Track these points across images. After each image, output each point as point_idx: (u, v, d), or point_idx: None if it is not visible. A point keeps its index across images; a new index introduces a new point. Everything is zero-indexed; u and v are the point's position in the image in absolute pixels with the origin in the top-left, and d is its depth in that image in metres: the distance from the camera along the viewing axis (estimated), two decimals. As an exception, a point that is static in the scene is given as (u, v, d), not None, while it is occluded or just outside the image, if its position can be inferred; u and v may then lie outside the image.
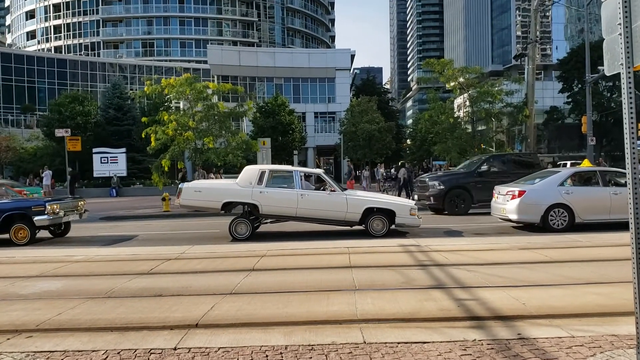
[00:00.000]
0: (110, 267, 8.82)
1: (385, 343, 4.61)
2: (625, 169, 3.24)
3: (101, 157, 40.09)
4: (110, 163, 39.98)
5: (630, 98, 3.08)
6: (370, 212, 12.94)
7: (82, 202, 15.02)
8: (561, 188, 13.08)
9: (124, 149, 40.89)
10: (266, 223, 13.93)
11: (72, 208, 14.19)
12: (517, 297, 6.00)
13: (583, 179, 13.91)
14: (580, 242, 10.37)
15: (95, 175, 40.37)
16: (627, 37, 3.09)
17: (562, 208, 12.86)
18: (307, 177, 13.92)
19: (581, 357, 4.16)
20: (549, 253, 9.14)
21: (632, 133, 3.10)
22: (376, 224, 12.90)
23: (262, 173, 12.98)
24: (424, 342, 4.61)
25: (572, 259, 8.46)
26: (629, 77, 3.09)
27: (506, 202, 13.40)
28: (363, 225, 13.07)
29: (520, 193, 13.06)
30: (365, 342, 4.64)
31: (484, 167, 19.01)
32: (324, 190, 13.31)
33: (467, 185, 18.52)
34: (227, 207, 13.17)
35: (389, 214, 12.93)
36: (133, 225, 17.78)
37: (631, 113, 3.06)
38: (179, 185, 13.79)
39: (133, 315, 5.70)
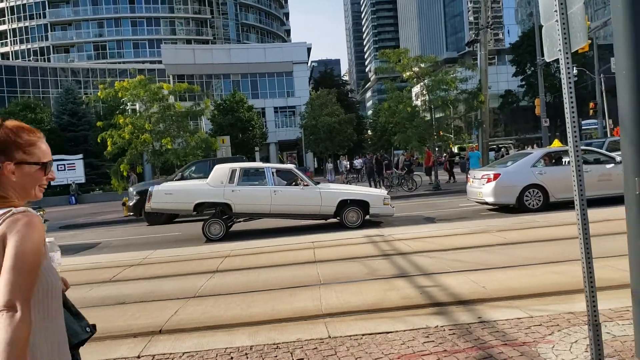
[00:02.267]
0: (70, 278, 8.53)
1: (350, 336, 4.64)
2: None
3: (57, 165, 39.01)
4: (68, 170, 39.00)
5: (570, 83, 3.16)
6: (344, 204, 12.98)
7: (41, 212, 14.60)
8: (534, 169, 13.44)
9: (80, 155, 39.96)
10: (240, 221, 13.83)
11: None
12: (478, 280, 6.11)
13: (555, 159, 14.32)
14: (537, 222, 10.63)
15: (52, 183, 39.36)
16: (563, 24, 3.17)
17: (537, 188, 13.24)
18: (279, 173, 13.87)
19: (540, 337, 4.27)
20: (507, 235, 9.34)
21: (573, 115, 3.19)
22: (351, 215, 12.96)
23: (233, 171, 12.85)
24: (388, 332, 4.66)
25: (529, 240, 8.66)
26: (567, 62, 3.17)
27: (482, 185, 13.69)
28: (337, 218, 13.10)
29: (496, 176, 13.38)
30: (330, 337, 4.66)
31: None
32: (296, 185, 13.29)
33: None
34: (199, 208, 13.00)
35: (363, 205, 13.00)
36: (94, 232, 17.41)
37: (571, 96, 3.14)
38: (150, 189, 13.50)
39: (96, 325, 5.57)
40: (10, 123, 1.85)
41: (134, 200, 18.38)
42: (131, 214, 19.11)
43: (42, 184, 1.91)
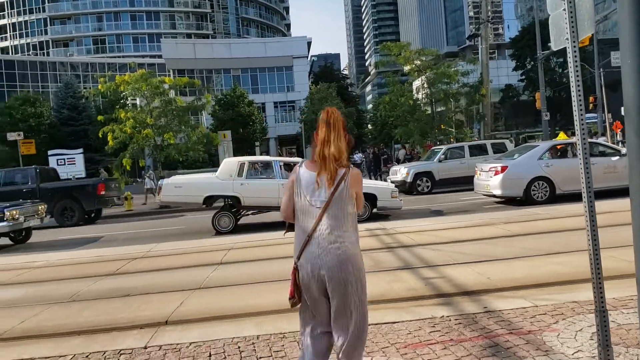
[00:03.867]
0: (74, 271, 8.64)
1: (356, 326, 4.65)
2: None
3: (57, 159, 38.88)
4: (68, 165, 38.80)
5: (577, 72, 3.17)
6: None
7: (42, 207, 14.63)
8: (541, 161, 13.48)
9: (81, 150, 39.80)
10: (248, 215, 13.87)
11: (32, 213, 13.81)
12: (482, 272, 6.14)
13: (561, 152, 14.34)
14: (539, 214, 10.65)
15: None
16: (571, 12, 3.18)
17: (543, 181, 13.28)
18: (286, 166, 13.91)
19: (545, 325, 4.30)
20: (510, 227, 9.37)
21: (581, 106, 3.19)
22: None
23: (242, 165, 12.91)
24: (394, 322, 4.68)
25: (532, 232, 8.69)
26: (575, 51, 3.17)
27: (489, 178, 13.72)
28: None
29: (503, 168, 13.42)
30: (336, 327, 4.68)
31: None
32: None
33: None
34: (209, 201, 13.08)
35: (370, 199, 13.00)
36: (96, 226, 17.44)
37: (578, 86, 3.15)
38: (159, 182, 13.60)
39: (100, 317, 5.61)
40: None
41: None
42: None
43: None
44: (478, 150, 20.07)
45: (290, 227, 3.20)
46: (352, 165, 3.04)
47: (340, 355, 2.93)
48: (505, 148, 19.92)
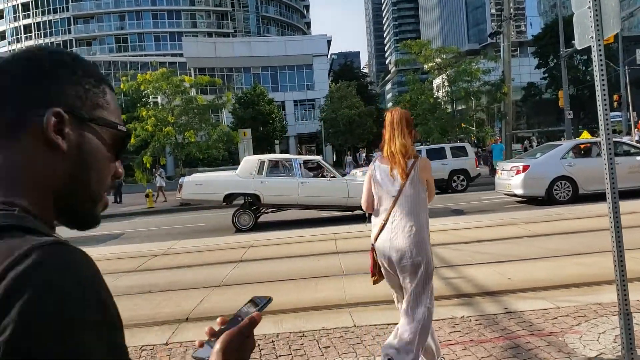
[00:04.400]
0: (96, 267, 8.74)
1: (375, 325, 4.66)
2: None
3: (81, 157, 39.52)
4: (91, 162, 39.42)
5: (602, 70, 3.12)
6: None
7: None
8: (564, 161, 13.30)
9: (104, 148, 40.36)
10: (267, 212, 13.95)
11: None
12: (503, 272, 6.08)
13: (584, 151, 14.15)
14: (562, 214, 10.52)
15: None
16: (596, 10, 3.13)
17: (566, 180, 13.10)
18: (305, 164, 13.96)
19: (567, 327, 4.25)
20: (532, 227, 9.26)
21: (605, 105, 3.15)
22: None
23: (262, 163, 12.99)
24: (413, 322, 4.66)
25: (555, 232, 8.58)
26: (600, 50, 3.13)
27: (511, 177, 13.58)
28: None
29: (525, 168, 13.27)
30: (355, 326, 4.69)
31: None
32: (322, 177, 13.34)
33: None
34: (229, 198, 13.16)
35: None
36: (118, 223, 17.64)
37: (603, 85, 3.10)
38: (180, 180, 13.75)
39: (122, 313, 5.54)
40: None
41: None
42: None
43: None
44: (436, 154, 18.95)
45: (369, 218, 3.72)
46: (420, 155, 3.51)
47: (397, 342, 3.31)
48: (466, 152, 19.38)
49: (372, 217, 3.61)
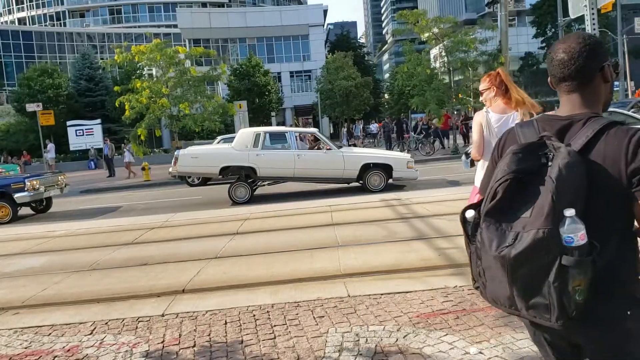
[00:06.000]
0: (93, 240, 8.80)
1: (369, 295, 4.71)
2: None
3: (76, 130, 39.36)
4: (86, 135, 39.28)
5: (595, 40, 3.10)
6: (367, 168, 12.97)
7: (62, 177, 14.85)
8: None
9: (99, 120, 40.18)
10: (264, 185, 13.97)
11: (52, 183, 14.04)
12: (496, 242, 6.12)
13: None
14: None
15: (71, 148, 39.69)
16: (590, -21, 3.09)
17: None
18: (301, 137, 13.94)
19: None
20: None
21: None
22: (374, 179, 12.96)
23: (258, 135, 12.94)
24: (407, 292, 4.72)
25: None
26: (593, 19, 3.10)
27: None
28: (360, 182, 13.13)
29: None
30: (349, 296, 4.74)
31: None
32: (318, 149, 13.33)
33: None
34: (225, 171, 13.16)
35: (386, 169, 12.98)
36: (114, 196, 17.67)
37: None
38: (175, 153, 13.70)
39: (119, 285, 5.73)
40: None
41: None
42: None
43: None
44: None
45: (472, 163, 4.36)
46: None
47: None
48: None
49: (481, 164, 4.10)
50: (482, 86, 4.28)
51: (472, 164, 4.37)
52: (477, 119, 4.16)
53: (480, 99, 4.38)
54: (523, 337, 3.60)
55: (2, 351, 4.14)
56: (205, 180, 17.48)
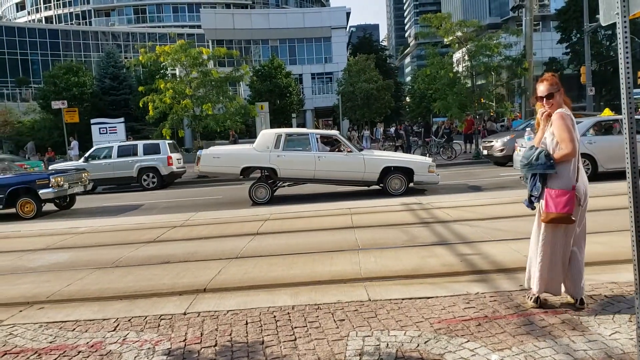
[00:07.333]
0: (116, 237, 8.92)
1: (390, 300, 4.70)
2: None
3: (100, 128, 39.67)
4: (109, 133, 39.52)
5: (627, 48, 3.06)
6: (388, 171, 12.95)
7: (85, 174, 15.07)
8: (583, 138, 13.11)
9: (122, 119, 40.46)
10: (284, 186, 14.05)
11: (76, 180, 14.25)
12: (519, 249, 6.07)
13: (605, 129, 13.96)
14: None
15: (95, 146, 40.12)
16: (622, -14, 3.05)
17: (585, 158, 12.94)
18: (322, 139, 13.96)
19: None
20: (549, 205, 9.19)
21: (629, 83, 3.09)
22: (394, 183, 12.93)
23: (279, 137, 13.02)
24: (428, 298, 4.70)
25: (572, 210, 8.50)
26: (625, 27, 3.07)
27: None
28: (381, 185, 13.11)
29: None
30: (370, 300, 4.74)
31: None
32: (339, 151, 13.35)
33: None
34: (246, 172, 13.28)
35: (407, 173, 12.93)
36: (137, 194, 17.86)
37: (627, 63, 3.04)
38: (198, 153, 13.85)
39: (141, 283, 5.80)
40: None
41: None
42: None
43: None
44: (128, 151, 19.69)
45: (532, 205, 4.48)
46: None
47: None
48: (159, 150, 19.40)
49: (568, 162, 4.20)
50: (552, 89, 4.31)
51: (533, 206, 4.40)
52: (568, 119, 4.24)
53: (549, 101, 4.37)
54: (545, 345, 3.57)
55: (28, 345, 4.22)
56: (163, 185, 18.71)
